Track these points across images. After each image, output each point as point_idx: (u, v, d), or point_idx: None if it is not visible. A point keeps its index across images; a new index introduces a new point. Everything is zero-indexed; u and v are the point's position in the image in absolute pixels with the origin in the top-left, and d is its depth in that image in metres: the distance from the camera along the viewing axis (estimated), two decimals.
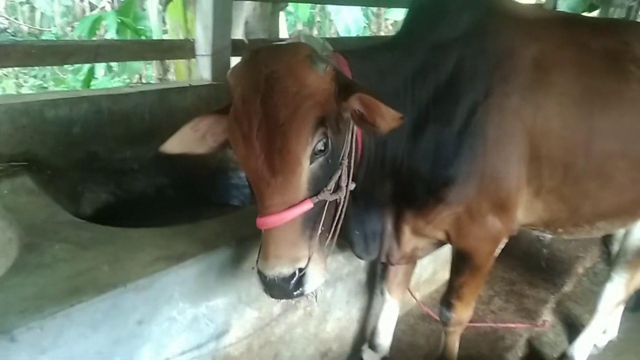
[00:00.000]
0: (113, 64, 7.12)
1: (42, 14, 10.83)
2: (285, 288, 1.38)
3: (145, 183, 3.03)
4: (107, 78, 8.03)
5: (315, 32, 11.80)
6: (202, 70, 3.41)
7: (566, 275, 3.66)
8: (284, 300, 1.46)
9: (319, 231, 1.45)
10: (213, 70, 3.36)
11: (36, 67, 9.63)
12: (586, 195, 1.96)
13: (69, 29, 10.17)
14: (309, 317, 2.25)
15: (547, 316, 3.20)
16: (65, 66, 9.27)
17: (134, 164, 2.98)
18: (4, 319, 1.28)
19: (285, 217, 1.35)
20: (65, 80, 8.98)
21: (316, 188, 1.42)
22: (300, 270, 1.38)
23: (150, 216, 2.50)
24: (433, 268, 3.17)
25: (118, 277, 1.52)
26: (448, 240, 2.02)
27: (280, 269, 1.36)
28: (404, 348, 2.74)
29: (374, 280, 2.64)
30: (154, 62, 7.58)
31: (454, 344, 2.32)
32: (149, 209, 2.95)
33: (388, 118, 1.44)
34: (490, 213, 1.91)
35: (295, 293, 1.40)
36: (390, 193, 1.93)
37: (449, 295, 2.15)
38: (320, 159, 1.41)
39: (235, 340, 1.89)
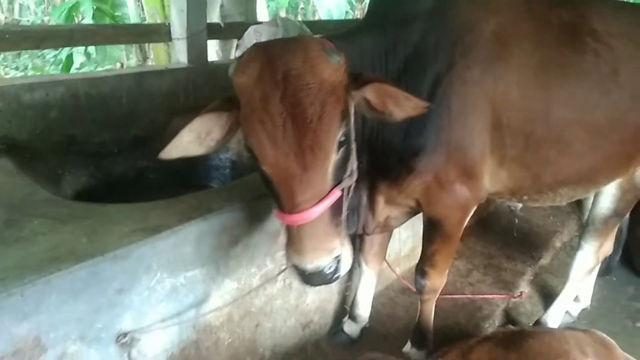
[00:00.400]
0: (93, 53, 7.06)
1: (20, 5, 10.71)
2: (324, 276, 1.45)
3: (125, 166, 3.05)
4: (88, 69, 7.95)
5: (299, 18, 11.76)
6: (178, 54, 3.42)
7: (544, 249, 3.76)
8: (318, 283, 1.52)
9: (343, 216, 1.51)
10: (189, 53, 3.37)
11: (17, 59, 9.53)
12: (547, 162, 2.04)
13: (46, 18, 10.04)
14: (289, 289, 2.31)
15: (524, 287, 3.30)
16: (47, 57, 9.18)
17: (114, 147, 3.00)
18: None
19: (319, 210, 1.39)
20: (47, 71, 8.89)
21: (338, 177, 1.48)
22: (337, 257, 1.45)
23: (130, 199, 2.53)
24: (412, 243, 3.24)
25: (96, 248, 1.56)
26: (419, 208, 2.09)
27: (320, 262, 1.43)
28: (384, 319, 2.82)
29: (353, 254, 2.70)
30: (134, 50, 7.53)
31: (430, 311, 2.40)
32: (129, 191, 2.98)
33: (408, 107, 1.50)
34: (457, 181, 1.98)
35: (333, 278, 1.48)
36: (366, 166, 1.99)
37: (422, 264, 2.23)
38: (342, 149, 1.46)
39: (216, 310, 1.94)
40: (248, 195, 2.01)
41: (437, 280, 2.25)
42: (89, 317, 1.53)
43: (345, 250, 1.50)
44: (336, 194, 1.45)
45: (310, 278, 1.46)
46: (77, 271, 1.47)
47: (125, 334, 1.62)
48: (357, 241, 2.59)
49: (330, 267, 1.45)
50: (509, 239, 3.79)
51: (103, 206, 1.85)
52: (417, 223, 2.48)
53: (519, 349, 1.72)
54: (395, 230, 2.87)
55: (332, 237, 1.46)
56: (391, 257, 3.05)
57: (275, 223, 2.09)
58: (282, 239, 1.53)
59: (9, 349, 1.37)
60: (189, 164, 3.23)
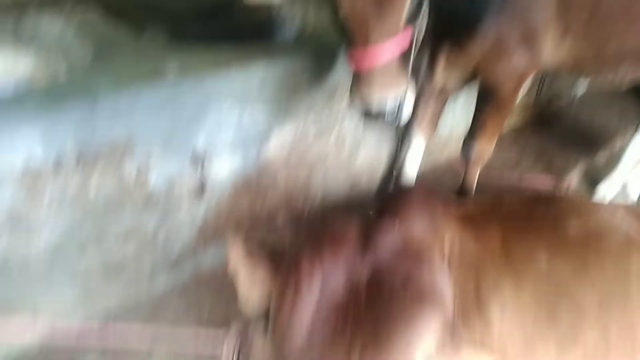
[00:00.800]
0: None
1: None
2: (387, 116, 1.61)
3: (199, 32, 3.22)
4: None
5: None
6: None
7: (602, 148, 3.71)
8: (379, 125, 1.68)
9: (410, 62, 1.64)
10: None
11: None
12: (611, 36, 2.02)
13: None
14: (342, 147, 2.50)
15: (573, 179, 3.32)
16: None
17: (189, 13, 3.16)
18: (87, 85, 1.59)
19: (393, 47, 1.52)
20: None
21: (411, 20, 1.59)
22: (401, 98, 1.60)
23: None
24: (465, 126, 3.30)
25: (176, 73, 1.77)
26: (477, 74, 2.15)
27: (386, 100, 1.58)
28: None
29: (405, 125, 2.82)
30: None
31: (474, 178, 2.54)
32: None
33: None
34: (518, 47, 2.01)
35: (394, 119, 1.64)
36: (429, 28, 2.05)
37: (471, 131, 2.33)
38: None
39: (276, 150, 2.17)
40: (311, 50, 2.14)
41: (484, 148, 2.35)
42: (169, 130, 1.78)
43: (409, 95, 1.63)
44: (408, 33, 1.56)
45: (375, 116, 1.62)
46: (160, 87, 1.70)
47: (198, 151, 1.88)
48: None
49: (393, 108, 1.60)
50: (567, 135, 3.76)
51: (180, 47, 2.04)
52: (472, 106, 2.54)
53: (549, 200, 1.82)
54: (450, 110, 2.95)
55: (399, 79, 1.60)
56: (442, 137, 3.16)
57: (334, 79, 2.23)
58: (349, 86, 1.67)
59: (106, 146, 1.65)
60: (257, 32, 3.38)
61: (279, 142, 2.18)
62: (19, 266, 1.70)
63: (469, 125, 2.36)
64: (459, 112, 3.14)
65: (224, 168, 2.02)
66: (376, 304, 0.81)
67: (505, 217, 1.76)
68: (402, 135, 2.72)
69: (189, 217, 2.03)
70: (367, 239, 0.90)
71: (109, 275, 1.94)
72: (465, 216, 1.71)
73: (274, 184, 2.26)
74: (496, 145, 3.30)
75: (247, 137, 2.03)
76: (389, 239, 0.91)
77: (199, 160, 1.89)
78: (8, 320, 1.77)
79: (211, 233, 2.16)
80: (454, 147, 3.35)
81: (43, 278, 1.78)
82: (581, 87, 4.18)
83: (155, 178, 1.83)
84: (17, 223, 1.61)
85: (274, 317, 0.82)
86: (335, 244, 0.88)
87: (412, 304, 0.82)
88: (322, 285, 0.82)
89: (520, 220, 1.76)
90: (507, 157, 3.47)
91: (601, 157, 3.65)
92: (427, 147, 2.78)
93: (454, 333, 1.04)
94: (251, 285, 1.11)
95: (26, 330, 1.83)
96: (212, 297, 2.19)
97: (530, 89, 3.72)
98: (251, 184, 2.16)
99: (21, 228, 1.62)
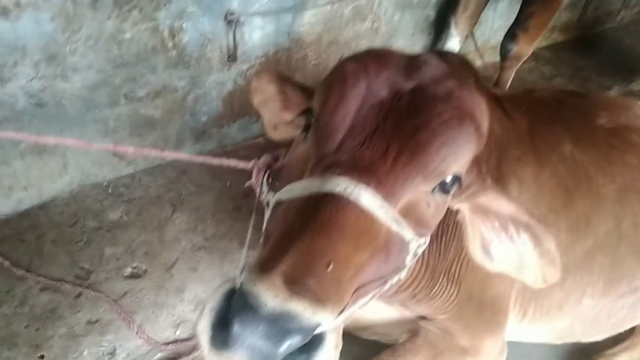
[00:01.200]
0: None
1: None
2: None
3: None
4: None
5: None
6: None
7: (639, 75, 3.58)
8: None
9: None
10: None
11: None
12: None
13: None
14: (376, 33, 2.44)
15: None
16: None
17: None
18: None
19: None
20: None
21: None
22: None
23: None
24: (502, 35, 3.19)
25: None
26: None
27: None
28: None
29: (441, 23, 2.73)
30: None
31: (508, 80, 2.49)
32: None
33: None
34: None
35: None
36: None
37: (515, 26, 2.27)
38: None
39: (309, 25, 2.13)
40: None
41: (524, 47, 2.30)
42: None
43: None
44: None
45: None
46: None
47: (232, 13, 1.86)
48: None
49: None
50: (605, 58, 3.63)
51: None
52: (512, 15, 2.44)
53: (583, 94, 1.79)
54: (489, 18, 2.85)
55: None
56: (478, 43, 3.05)
57: None
58: None
59: None
60: None
61: (313, 18, 2.13)
62: (53, 108, 1.74)
63: (511, 24, 2.29)
64: (499, 18, 3.02)
65: (256, 37, 2.00)
66: (418, 112, 0.82)
67: (536, 103, 1.74)
68: (440, 28, 2.65)
69: (219, 82, 2.05)
70: (411, 61, 0.90)
71: (138, 132, 2.00)
72: (496, 97, 1.69)
73: (304, 64, 2.24)
74: (533, 59, 3.22)
75: (282, 8, 1.98)
76: (434, 64, 0.90)
77: (232, 23, 1.87)
78: (41, 162, 1.85)
79: (238, 106, 2.18)
80: (489, 56, 3.26)
81: (75, 124, 1.83)
82: (630, 11, 3.98)
83: (189, 36, 1.83)
84: (53, 61, 1.63)
85: (316, 118, 0.84)
86: (381, 61, 0.88)
87: (452, 118, 0.82)
88: (366, 91, 0.83)
89: (549, 107, 1.74)
90: (542, 73, 3.38)
91: (637, 84, 3.53)
92: (461, 50, 2.71)
93: (481, 172, 1.06)
94: (282, 108, 1.13)
95: (58, 172, 1.91)
96: (234, 170, 2.25)
97: (576, 5, 3.55)
98: (281, 60, 2.15)
99: (57, 66, 1.65)
